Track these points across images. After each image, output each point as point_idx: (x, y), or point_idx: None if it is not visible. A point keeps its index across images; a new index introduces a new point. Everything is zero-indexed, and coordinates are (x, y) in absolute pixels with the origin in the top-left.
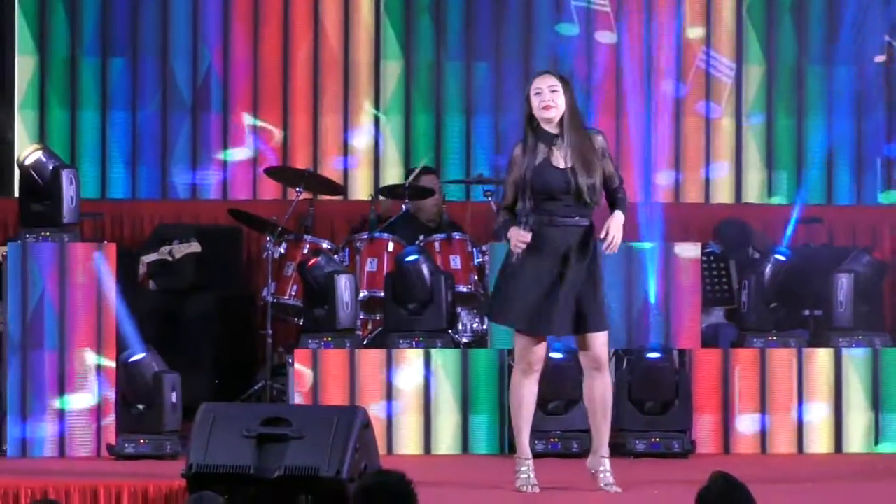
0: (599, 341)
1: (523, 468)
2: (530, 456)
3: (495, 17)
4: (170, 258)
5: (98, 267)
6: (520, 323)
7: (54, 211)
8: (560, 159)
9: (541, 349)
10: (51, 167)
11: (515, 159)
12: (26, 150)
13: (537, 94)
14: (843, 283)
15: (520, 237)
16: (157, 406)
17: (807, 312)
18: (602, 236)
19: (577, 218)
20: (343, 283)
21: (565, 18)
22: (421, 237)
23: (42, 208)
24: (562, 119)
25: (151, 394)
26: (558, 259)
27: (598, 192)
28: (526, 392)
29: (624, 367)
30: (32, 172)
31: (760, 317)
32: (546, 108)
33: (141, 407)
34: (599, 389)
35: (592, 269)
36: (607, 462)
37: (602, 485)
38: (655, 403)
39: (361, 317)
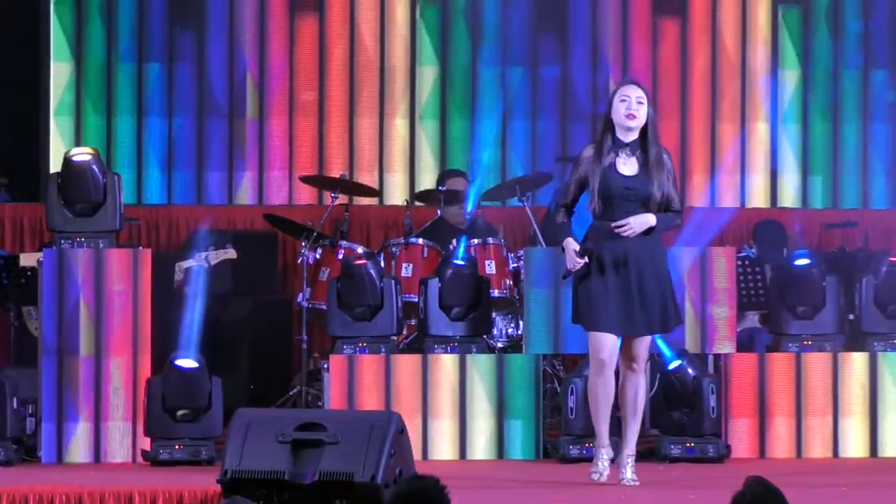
0: (643, 343)
1: (601, 455)
2: (607, 444)
3: (531, 22)
4: (206, 264)
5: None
6: (592, 322)
7: (103, 216)
8: (627, 167)
9: (612, 346)
10: (102, 172)
11: (584, 160)
12: (78, 151)
13: (623, 101)
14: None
15: (575, 261)
16: (205, 411)
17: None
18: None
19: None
20: (393, 288)
21: (602, 24)
22: (454, 241)
23: (89, 212)
24: (642, 130)
25: (198, 399)
26: (620, 261)
27: (657, 206)
28: (598, 389)
29: (660, 372)
30: (81, 174)
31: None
32: (630, 116)
33: (184, 412)
34: (633, 389)
35: (655, 272)
36: (632, 459)
37: (623, 480)
38: (688, 408)
39: None
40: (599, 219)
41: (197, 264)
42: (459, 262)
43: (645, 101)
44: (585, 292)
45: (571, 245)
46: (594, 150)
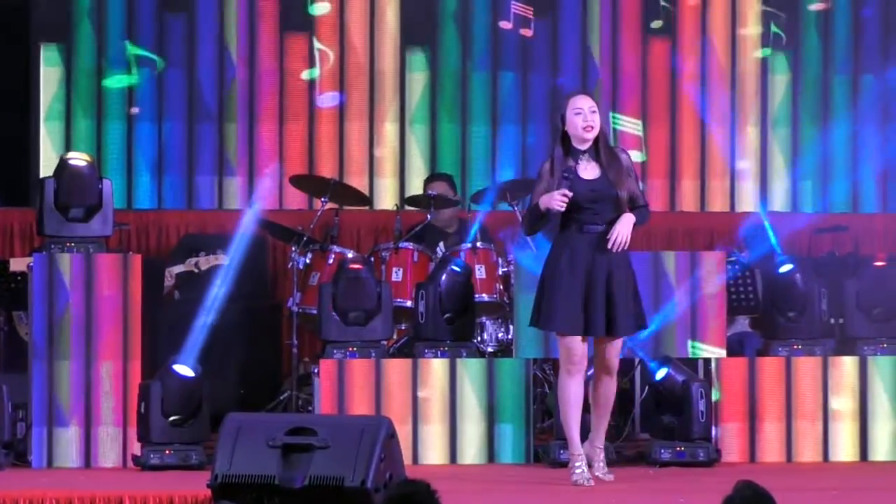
0: (616, 347)
1: (577, 463)
2: (582, 451)
3: (521, 27)
4: (196, 270)
5: None
6: (562, 326)
7: (97, 222)
8: (589, 171)
9: (583, 350)
10: (95, 177)
11: (543, 174)
12: (74, 155)
13: (578, 113)
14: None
15: (555, 197)
16: (197, 416)
17: (833, 321)
18: (609, 235)
19: (604, 226)
20: (388, 292)
21: (591, 29)
22: (440, 245)
23: (82, 217)
24: (595, 138)
25: (193, 405)
26: (588, 265)
27: (625, 205)
28: (570, 391)
29: (650, 375)
30: (78, 178)
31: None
32: (588, 128)
33: (177, 417)
34: (606, 391)
35: (621, 275)
36: (602, 452)
37: (597, 473)
38: (675, 411)
39: None
40: (568, 227)
41: (187, 270)
42: (456, 268)
43: (596, 109)
44: (554, 296)
45: (546, 195)
46: (550, 164)
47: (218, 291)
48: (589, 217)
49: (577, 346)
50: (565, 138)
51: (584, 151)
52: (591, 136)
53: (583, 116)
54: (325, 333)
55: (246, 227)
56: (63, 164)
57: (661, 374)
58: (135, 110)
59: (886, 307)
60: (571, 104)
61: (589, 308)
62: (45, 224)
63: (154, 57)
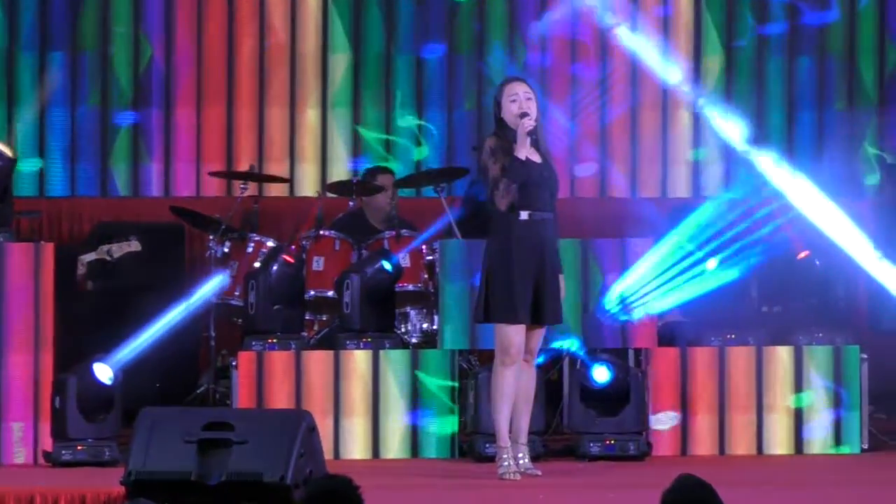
0: (540, 335)
1: (504, 456)
2: (510, 444)
3: (447, 7)
4: (109, 258)
5: None
6: (523, 318)
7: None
8: (533, 156)
9: (522, 340)
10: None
11: (494, 151)
12: None
13: (513, 100)
14: None
15: (524, 124)
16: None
17: (765, 309)
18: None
19: (548, 211)
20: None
21: (522, 9)
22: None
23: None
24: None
25: (106, 399)
26: (538, 250)
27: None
28: (508, 382)
29: (578, 367)
30: None
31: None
32: (524, 115)
33: (91, 413)
34: (527, 380)
35: (556, 261)
36: (526, 449)
37: (523, 469)
38: (610, 404)
39: (307, 317)
40: (514, 209)
41: (99, 258)
42: (388, 267)
43: (532, 95)
44: (500, 287)
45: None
46: (495, 141)
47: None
48: (534, 203)
49: (519, 337)
50: (501, 125)
51: (525, 136)
52: (530, 123)
53: (518, 102)
54: (255, 324)
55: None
56: None
57: (593, 365)
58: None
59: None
60: (507, 90)
61: (532, 297)
62: None
63: (67, 40)
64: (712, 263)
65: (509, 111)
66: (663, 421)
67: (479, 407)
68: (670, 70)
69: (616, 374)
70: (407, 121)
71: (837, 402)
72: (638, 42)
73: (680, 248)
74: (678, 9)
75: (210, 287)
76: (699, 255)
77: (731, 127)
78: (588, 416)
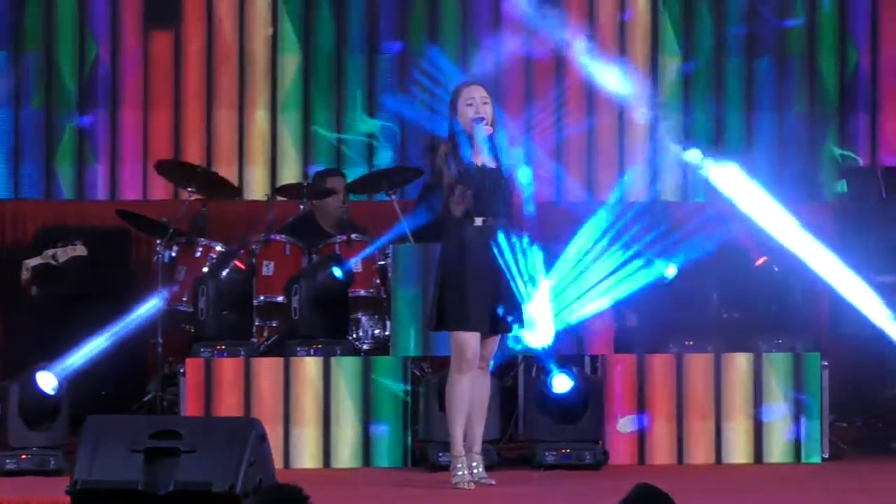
0: (495, 342)
1: (459, 465)
2: (464, 453)
3: (400, 6)
4: (54, 262)
5: None
6: (477, 325)
7: None
8: (485, 162)
9: (478, 346)
10: None
11: (448, 155)
12: None
13: (470, 104)
14: None
15: (480, 128)
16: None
17: (725, 315)
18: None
19: (501, 216)
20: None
21: (475, 9)
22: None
23: None
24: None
25: (50, 409)
26: (490, 255)
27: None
28: (463, 390)
29: (533, 374)
30: None
31: None
32: (480, 119)
33: (35, 422)
34: (482, 388)
35: (509, 267)
36: (480, 457)
37: (477, 479)
38: (566, 412)
39: (257, 323)
40: (468, 216)
41: (44, 262)
42: (338, 273)
43: (489, 99)
44: (454, 293)
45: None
46: (451, 146)
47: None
48: (489, 209)
49: (475, 344)
50: (456, 128)
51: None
52: (488, 129)
53: (475, 107)
54: (204, 331)
55: None
56: None
57: (553, 373)
58: None
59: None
60: (463, 95)
61: (488, 304)
62: None
63: (10, 39)
64: (671, 270)
65: (465, 115)
66: (625, 425)
67: (432, 415)
68: (626, 84)
69: (576, 382)
70: (359, 122)
71: (798, 411)
72: (593, 58)
73: (591, 251)
74: (636, 11)
75: (148, 308)
76: (620, 256)
77: (692, 154)
78: (544, 424)
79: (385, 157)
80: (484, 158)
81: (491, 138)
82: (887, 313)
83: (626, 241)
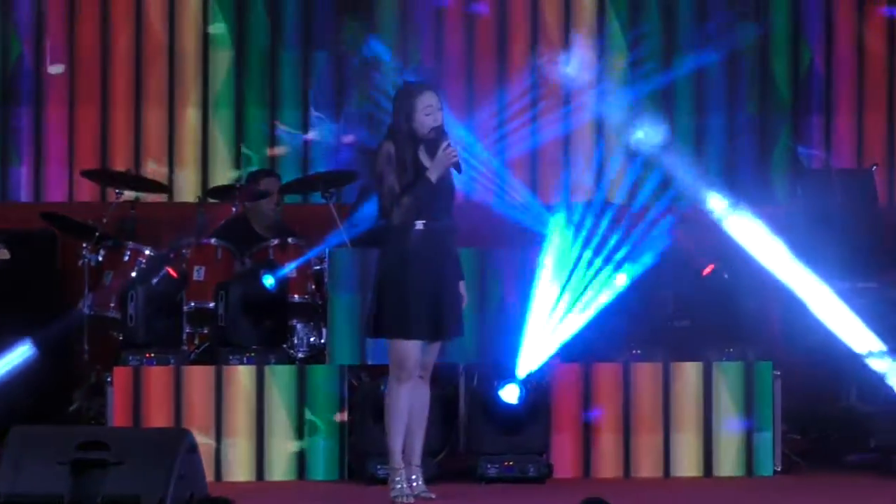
0: (436, 351)
1: (397, 478)
2: (403, 466)
3: (334, 3)
4: None
5: None
6: (419, 333)
7: None
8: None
9: (418, 355)
10: None
11: (392, 160)
12: None
13: (428, 114)
14: None
15: (449, 153)
16: None
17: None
18: None
19: (449, 220)
20: None
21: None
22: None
23: None
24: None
25: None
26: (436, 260)
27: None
28: (402, 400)
29: (475, 383)
30: None
31: None
32: (438, 129)
33: None
34: (421, 398)
35: (456, 270)
36: (420, 470)
37: (417, 493)
38: (510, 423)
39: (188, 330)
40: (411, 223)
41: None
42: (270, 282)
43: (441, 105)
44: (394, 299)
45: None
46: (396, 150)
47: None
48: (431, 212)
49: (416, 353)
50: (403, 131)
51: (426, 141)
52: (455, 157)
53: (434, 117)
54: (132, 337)
55: None
56: None
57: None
58: None
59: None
60: (421, 101)
61: (432, 312)
62: None
63: None
64: (621, 279)
65: (424, 124)
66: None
67: (370, 426)
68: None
69: (525, 392)
70: (293, 122)
71: (749, 422)
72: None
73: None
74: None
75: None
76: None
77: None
78: (486, 436)
79: (320, 159)
80: (429, 162)
81: (435, 144)
82: (842, 318)
83: (596, 247)
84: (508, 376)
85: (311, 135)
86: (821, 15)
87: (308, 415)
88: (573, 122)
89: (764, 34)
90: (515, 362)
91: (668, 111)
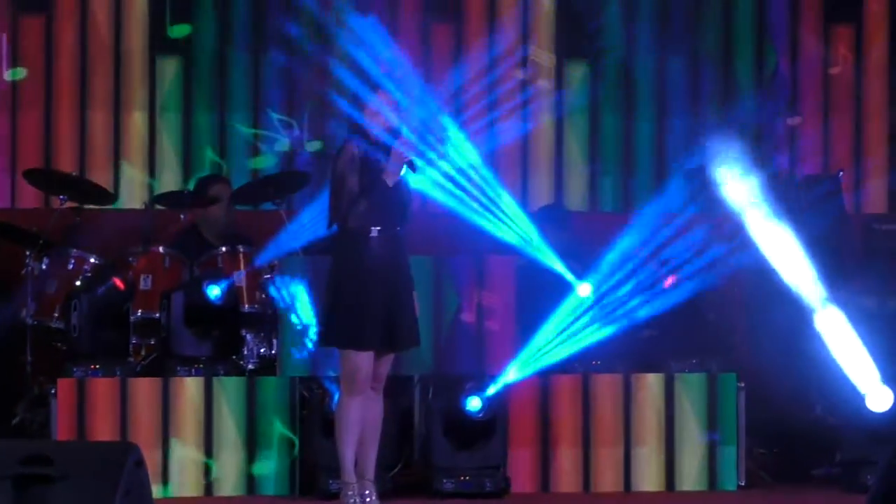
0: (389, 362)
1: (350, 493)
2: (355, 480)
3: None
4: None
5: None
6: (370, 343)
7: None
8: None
9: (370, 366)
10: None
11: (355, 162)
12: None
13: (383, 113)
14: None
15: (399, 153)
16: None
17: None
18: None
19: (399, 226)
20: None
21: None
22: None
23: None
24: None
25: None
26: (390, 268)
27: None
28: (354, 412)
29: (430, 395)
30: None
31: None
32: (391, 129)
33: None
34: (375, 410)
35: (408, 282)
36: (373, 485)
37: None
38: (466, 436)
39: (134, 341)
40: (364, 230)
41: None
42: (215, 293)
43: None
44: (348, 309)
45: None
46: (359, 152)
47: None
48: (385, 219)
49: (368, 365)
50: (361, 132)
51: (383, 145)
52: (406, 156)
53: (388, 117)
54: (81, 347)
55: None
56: None
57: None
58: None
59: None
60: (374, 101)
61: (386, 322)
62: None
63: None
64: (585, 289)
65: (378, 123)
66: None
67: (321, 439)
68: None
69: (486, 404)
70: (243, 125)
71: (712, 435)
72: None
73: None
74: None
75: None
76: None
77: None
78: (442, 449)
79: (271, 163)
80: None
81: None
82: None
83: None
84: (468, 389)
85: (261, 138)
86: (786, 17)
87: (259, 427)
88: (529, 124)
89: (727, 36)
90: (480, 373)
91: (627, 112)
